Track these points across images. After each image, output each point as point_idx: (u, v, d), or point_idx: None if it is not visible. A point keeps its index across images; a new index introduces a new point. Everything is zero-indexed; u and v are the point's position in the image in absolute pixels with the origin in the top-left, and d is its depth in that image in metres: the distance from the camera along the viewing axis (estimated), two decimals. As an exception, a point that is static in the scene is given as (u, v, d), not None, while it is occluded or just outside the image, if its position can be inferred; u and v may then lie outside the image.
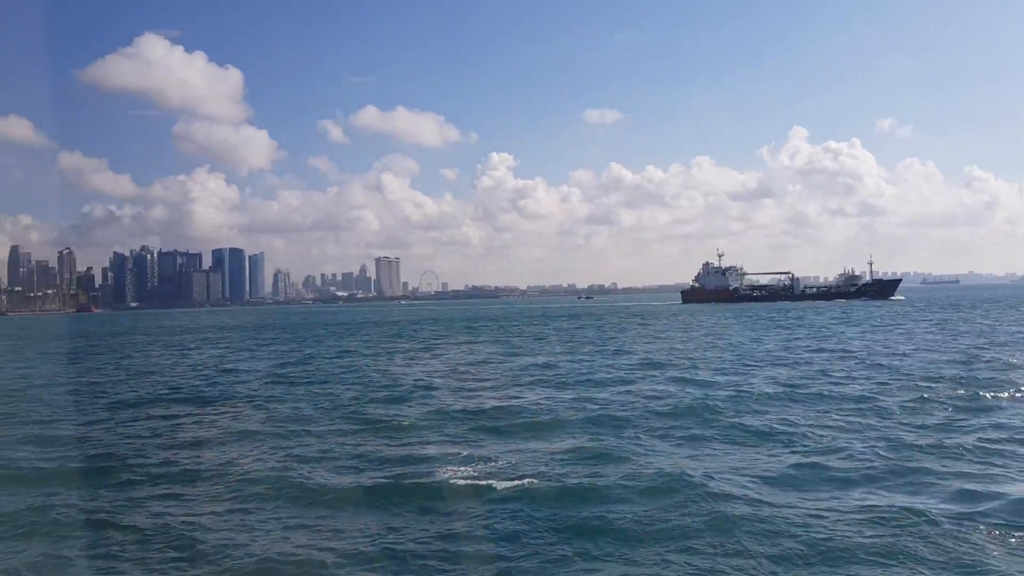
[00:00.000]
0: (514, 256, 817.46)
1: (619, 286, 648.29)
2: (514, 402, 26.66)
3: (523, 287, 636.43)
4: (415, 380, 34.20)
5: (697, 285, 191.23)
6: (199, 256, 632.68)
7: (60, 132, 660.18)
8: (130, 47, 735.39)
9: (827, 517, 12.65)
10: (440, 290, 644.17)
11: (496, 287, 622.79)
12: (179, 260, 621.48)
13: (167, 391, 33.37)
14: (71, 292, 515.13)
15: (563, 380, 33.07)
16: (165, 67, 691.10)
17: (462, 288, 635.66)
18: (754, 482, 15.00)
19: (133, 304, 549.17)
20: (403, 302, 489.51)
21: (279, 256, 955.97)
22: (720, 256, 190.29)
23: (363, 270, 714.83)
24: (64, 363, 53.41)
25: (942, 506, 13.01)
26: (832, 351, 43.20)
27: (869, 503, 13.34)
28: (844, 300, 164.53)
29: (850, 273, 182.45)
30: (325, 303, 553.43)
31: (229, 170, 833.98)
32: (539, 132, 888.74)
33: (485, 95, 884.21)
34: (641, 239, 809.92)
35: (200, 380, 37.69)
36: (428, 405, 26.59)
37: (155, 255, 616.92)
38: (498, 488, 14.79)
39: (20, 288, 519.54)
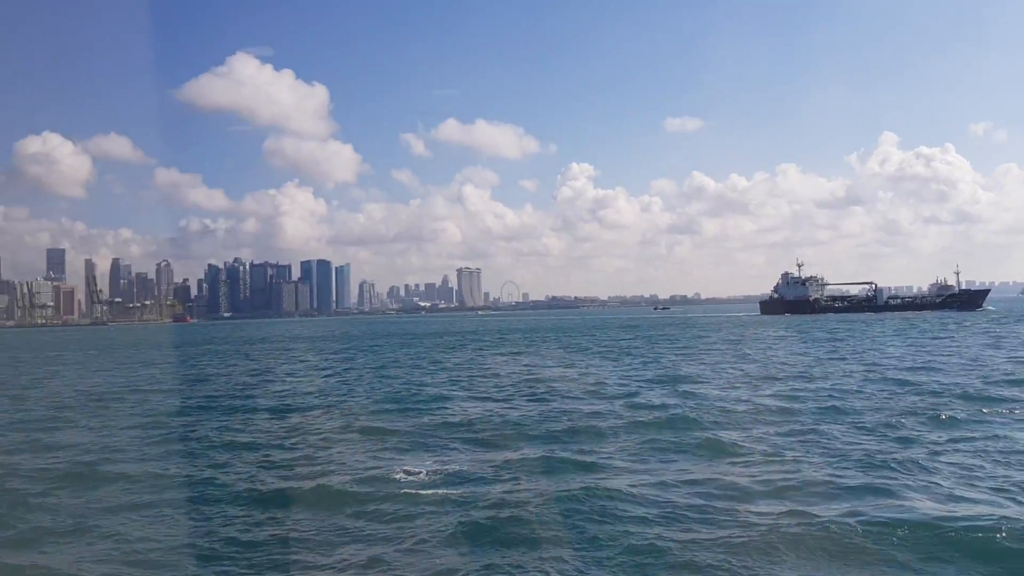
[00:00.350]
0: (595, 266, 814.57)
1: (702, 296, 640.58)
2: (510, 413, 27.66)
3: (604, 297, 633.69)
4: (432, 392, 35.40)
5: (776, 296, 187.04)
6: (288, 267, 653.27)
7: (157, 149, 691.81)
8: (223, 66, 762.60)
9: (716, 522, 13.33)
10: (520, 300, 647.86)
11: (576, 297, 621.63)
12: (269, 271, 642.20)
13: (202, 399, 35.58)
14: (168, 303, 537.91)
15: (571, 391, 33.84)
16: (255, 85, 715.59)
17: (542, 299, 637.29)
18: (667, 492, 15.66)
19: (226, 314, 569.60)
20: (480, 312, 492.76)
21: (364, 267, 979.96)
22: (800, 266, 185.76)
23: (445, 280, 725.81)
24: (127, 372, 56.78)
25: (825, 516, 13.43)
26: (863, 364, 42.75)
27: (758, 510, 13.92)
28: (930, 311, 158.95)
29: (942, 283, 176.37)
30: (408, 313, 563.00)
31: (317, 184, 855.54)
32: (619, 142, 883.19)
33: (564, 106, 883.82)
34: (725, 248, 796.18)
35: (238, 390, 39.88)
36: (428, 415, 27.84)
37: (247, 267, 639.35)
38: (424, 494, 15.94)
39: (120, 299, 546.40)
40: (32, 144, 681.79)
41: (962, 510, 13.37)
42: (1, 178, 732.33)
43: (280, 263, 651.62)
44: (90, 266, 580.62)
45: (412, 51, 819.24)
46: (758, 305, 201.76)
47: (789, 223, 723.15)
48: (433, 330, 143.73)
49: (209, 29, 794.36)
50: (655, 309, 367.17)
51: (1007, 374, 34.87)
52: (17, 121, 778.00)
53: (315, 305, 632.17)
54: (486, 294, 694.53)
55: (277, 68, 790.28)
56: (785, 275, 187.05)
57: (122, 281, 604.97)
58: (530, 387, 36.34)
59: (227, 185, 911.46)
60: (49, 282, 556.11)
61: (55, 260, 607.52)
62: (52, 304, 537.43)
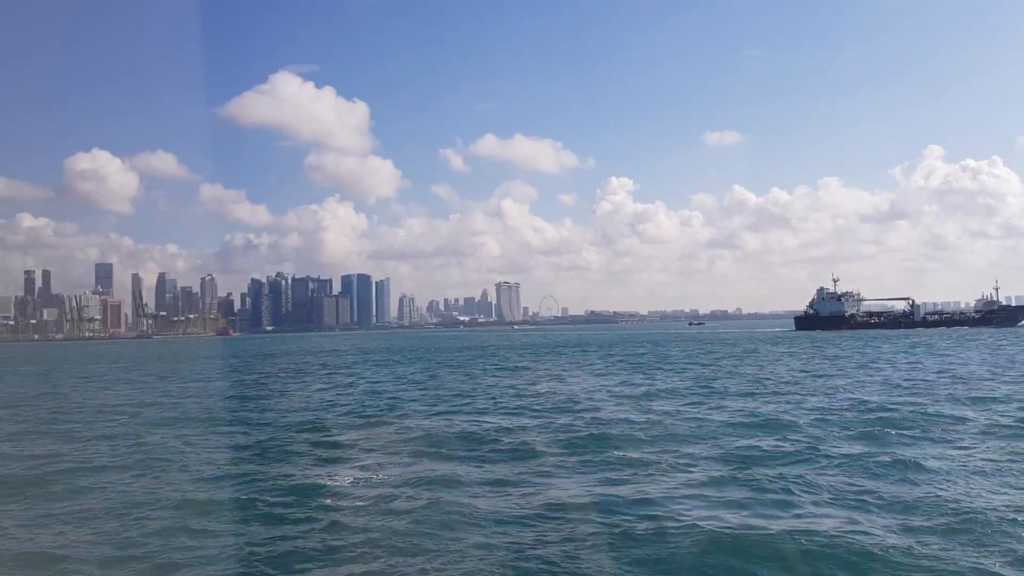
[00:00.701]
0: (634, 281, 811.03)
1: (743, 311, 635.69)
2: (468, 427, 28.85)
3: (643, 312, 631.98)
4: (410, 408, 36.63)
5: (811, 311, 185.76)
6: (329, 282, 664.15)
7: (202, 166, 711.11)
8: (265, 84, 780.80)
9: (571, 530, 14.41)
10: (559, 315, 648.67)
11: (615, 312, 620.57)
12: (311, 286, 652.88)
13: (191, 412, 37.38)
14: (212, 316, 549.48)
15: (541, 406, 34.99)
16: (297, 103, 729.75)
17: (581, 313, 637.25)
18: (545, 501, 16.78)
19: (268, 328, 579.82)
20: (516, 327, 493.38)
21: (404, 281, 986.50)
22: (835, 281, 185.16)
23: (484, 295, 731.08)
24: (144, 384, 59.09)
25: (673, 524, 14.44)
26: (847, 379, 43.27)
27: (615, 518, 14.93)
28: (967, 327, 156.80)
29: (988, 298, 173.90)
30: (447, 327, 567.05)
31: (358, 199, 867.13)
32: (658, 155, 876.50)
33: (603, 120, 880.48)
34: (767, 263, 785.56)
35: (230, 403, 41.75)
36: (395, 428, 29.36)
37: (289, 281, 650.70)
38: (327, 501, 17.36)
39: (165, 313, 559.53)
40: (81, 161, 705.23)
41: (790, 523, 14.38)
42: (52, 194, 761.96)
43: (321, 277, 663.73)
44: (137, 280, 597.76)
45: (450, 67, 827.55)
46: (793, 321, 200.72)
47: (832, 237, 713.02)
48: (459, 345, 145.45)
49: (252, 48, 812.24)
50: (689, 324, 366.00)
51: (971, 391, 35.10)
52: (67, 139, 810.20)
53: (355, 319, 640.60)
54: (525, 308, 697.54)
55: (318, 85, 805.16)
56: (820, 290, 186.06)
57: (168, 295, 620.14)
58: (506, 403, 37.47)
59: (270, 200, 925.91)
60: (97, 296, 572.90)
61: (103, 274, 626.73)
62: (99, 318, 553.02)
